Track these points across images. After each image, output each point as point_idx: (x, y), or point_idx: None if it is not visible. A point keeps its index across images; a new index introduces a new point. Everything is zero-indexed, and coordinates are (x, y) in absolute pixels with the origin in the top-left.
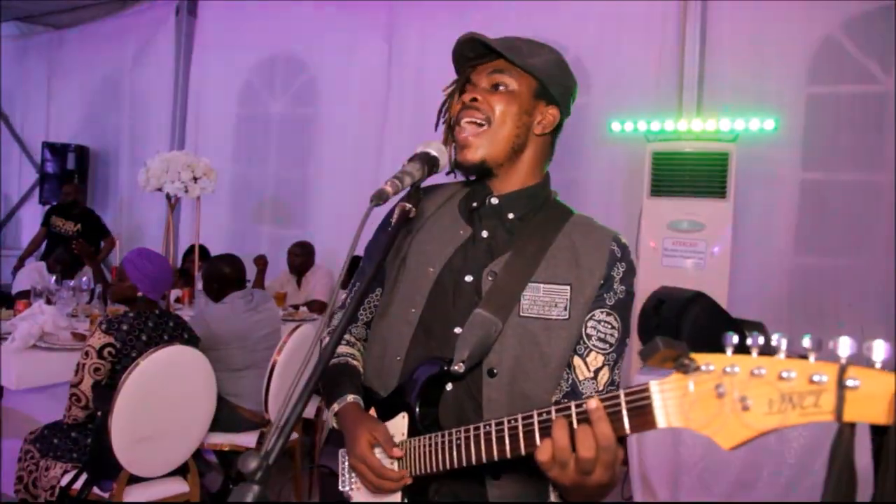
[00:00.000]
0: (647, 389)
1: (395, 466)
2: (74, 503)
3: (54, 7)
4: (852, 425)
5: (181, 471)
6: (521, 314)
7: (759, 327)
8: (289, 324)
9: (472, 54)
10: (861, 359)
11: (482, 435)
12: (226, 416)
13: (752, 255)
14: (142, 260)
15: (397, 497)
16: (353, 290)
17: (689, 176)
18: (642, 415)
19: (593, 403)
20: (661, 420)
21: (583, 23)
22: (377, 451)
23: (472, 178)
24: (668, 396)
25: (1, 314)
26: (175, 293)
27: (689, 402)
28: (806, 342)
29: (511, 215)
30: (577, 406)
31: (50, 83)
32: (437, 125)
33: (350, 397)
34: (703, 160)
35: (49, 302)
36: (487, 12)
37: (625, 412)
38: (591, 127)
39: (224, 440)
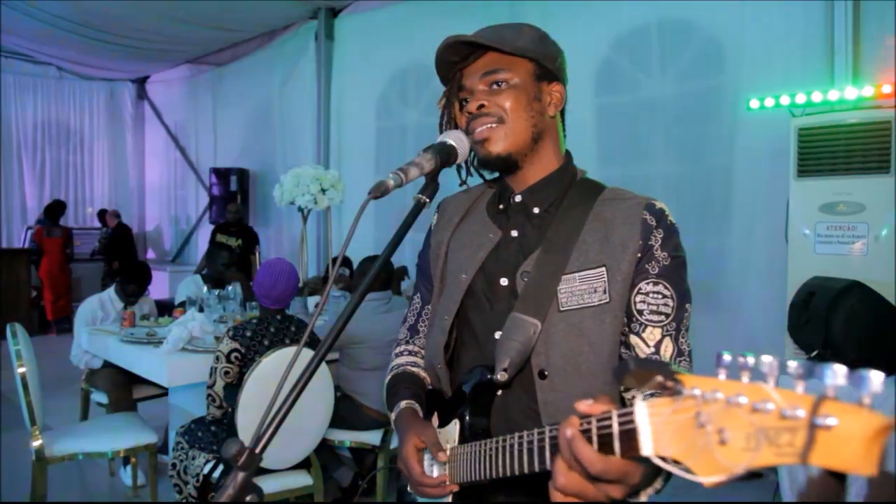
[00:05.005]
0: (632, 413)
1: (446, 472)
2: (214, 490)
3: (216, 46)
4: (836, 475)
5: (305, 465)
6: (562, 309)
7: None
8: None
9: (457, 58)
10: None
11: (508, 447)
12: (351, 414)
13: None
14: (264, 271)
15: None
16: (412, 303)
17: (842, 151)
18: (630, 440)
19: (569, 432)
20: (647, 447)
21: None
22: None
23: (496, 174)
24: (654, 422)
25: (161, 321)
26: (316, 299)
27: (672, 429)
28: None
29: (536, 209)
30: (600, 420)
31: (215, 114)
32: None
33: (403, 403)
34: (858, 132)
35: (201, 310)
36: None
37: (616, 436)
38: (727, 108)
39: (349, 437)
